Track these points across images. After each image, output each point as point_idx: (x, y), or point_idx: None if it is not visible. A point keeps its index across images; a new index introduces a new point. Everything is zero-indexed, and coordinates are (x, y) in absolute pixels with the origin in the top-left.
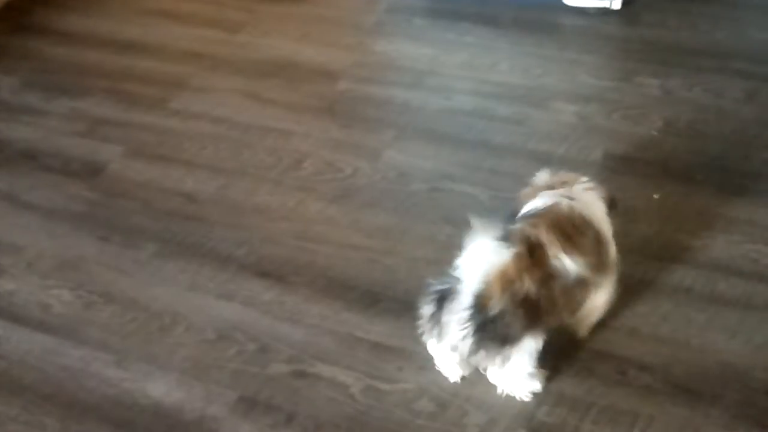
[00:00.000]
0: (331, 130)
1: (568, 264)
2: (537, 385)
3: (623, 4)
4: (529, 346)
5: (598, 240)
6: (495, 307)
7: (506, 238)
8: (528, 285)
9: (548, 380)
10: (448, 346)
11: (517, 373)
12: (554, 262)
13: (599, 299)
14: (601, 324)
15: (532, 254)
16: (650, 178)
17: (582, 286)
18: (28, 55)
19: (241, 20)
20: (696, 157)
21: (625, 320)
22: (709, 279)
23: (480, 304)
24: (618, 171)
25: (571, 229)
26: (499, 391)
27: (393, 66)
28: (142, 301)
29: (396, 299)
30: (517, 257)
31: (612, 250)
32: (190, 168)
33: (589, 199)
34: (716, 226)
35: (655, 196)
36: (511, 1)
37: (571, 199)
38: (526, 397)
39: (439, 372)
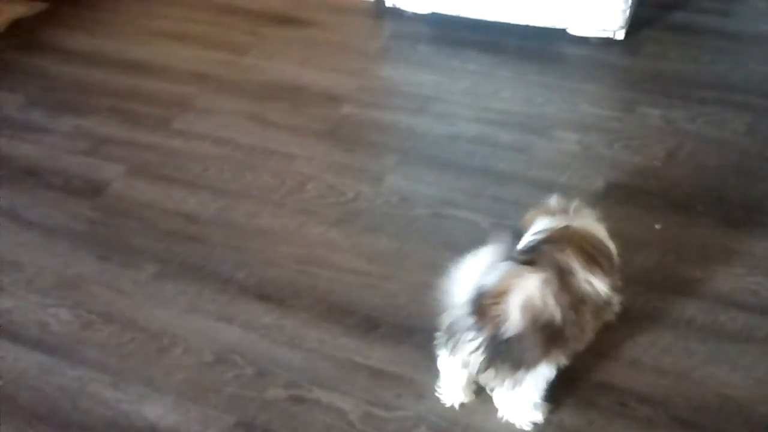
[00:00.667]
0: (334, 153)
1: (599, 286)
2: (539, 417)
3: (626, 34)
4: (544, 372)
5: (611, 259)
6: (512, 329)
7: (533, 261)
8: (553, 310)
9: (550, 412)
10: (459, 361)
11: (523, 400)
12: (584, 286)
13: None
14: (603, 355)
15: (562, 279)
16: (651, 208)
17: (608, 307)
18: (34, 73)
19: (246, 43)
20: (697, 189)
21: (626, 351)
22: (710, 311)
23: (497, 324)
24: (619, 201)
25: (592, 250)
26: (499, 415)
27: (397, 91)
28: (141, 321)
29: (396, 325)
30: (546, 282)
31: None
32: (193, 189)
33: (590, 220)
34: (717, 258)
35: (657, 227)
36: (514, 29)
37: (576, 221)
38: (527, 426)
39: (437, 399)
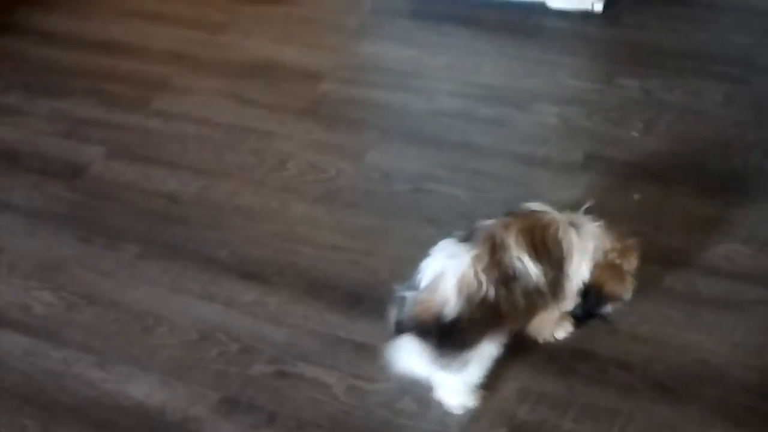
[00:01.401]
0: (314, 131)
1: (531, 267)
2: (472, 401)
3: (605, 6)
4: (488, 350)
5: (560, 267)
6: (452, 311)
7: (469, 238)
8: (486, 286)
9: (530, 378)
10: (411, 352)
11: (462, 384)
12: (516, 263)
13: (550, 317)
14: (581, 324)
15: (493, 254)
16: (630, 179)
17: (540, 295)
18: (10, 56)
19: (223, 21)
20: (675, 159)
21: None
22: (687, 279)
23: (438, 309)
24: (599, 172)
25: (540, 241)
26: (435, 396)
27: (376, 67)
28: (124, 302)
29: (379, 299)
30: (476, 258)
31: (570, 286)
32: (173, 169)
33: (585, 234)
34: (695, 227)
35: (636, 197)
36: (493, 3)
37: (574, 224)
38: (458, 410)
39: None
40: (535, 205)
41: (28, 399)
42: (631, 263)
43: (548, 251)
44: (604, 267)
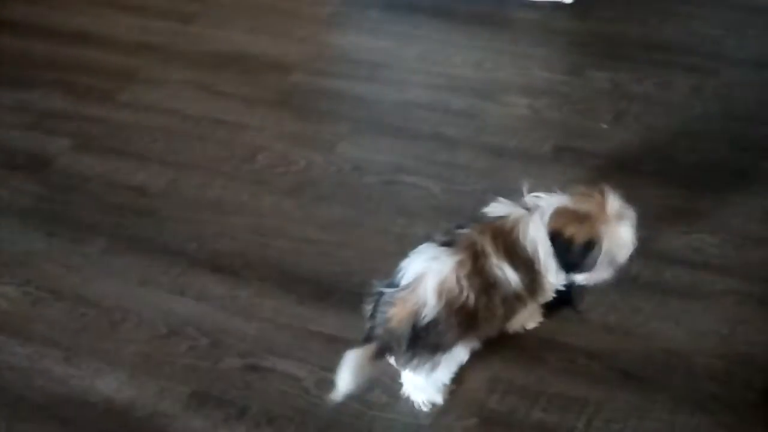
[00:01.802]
0: (285, 122)
1: (510, 274)
2: (439, 399)
3: None
4: (459, 354)
5: (532, 267)
6: (429, 314)
7: (451, 243)
8: (467, 293)
9: (499, 368)
10: (372, 346)
11: (431, 382)
12: (496, 270)
13: (527, 312)
14: (550, 313)
15: (476, 261)
16: (599, 170)
17: (519, 299)
18: None
19: (192, 11)
20: (644, 150)
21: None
22: (655, 268)
23: (416, 309)
24: (568, 163)
25: (510, 247)
26: (402, 392)
27: (348, 58)
28: (92, 296)
29: (350, 292)
30: (459, 264)
31: (546, 281)
32: (141, 161)
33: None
34: (662, 217)
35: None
36: None
37: (531, 212)
38: (425, 407)
39: (391, 364)
40: (497, 208)
41: None
42: (598, 205)
43: (519, 255)
44: (560, 213)
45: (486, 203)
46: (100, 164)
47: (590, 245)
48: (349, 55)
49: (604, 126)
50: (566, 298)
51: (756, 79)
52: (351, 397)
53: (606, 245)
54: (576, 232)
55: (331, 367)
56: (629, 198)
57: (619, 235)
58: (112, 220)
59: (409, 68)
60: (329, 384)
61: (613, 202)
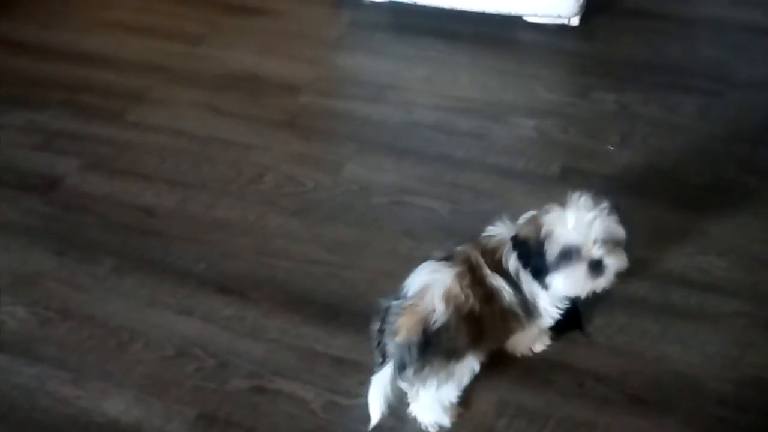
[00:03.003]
0: (292, 143)
1: (504, 287)
2: (447, 420)
3: (580, 21)
4: (471, 364)
5: (519, 288)
6: (439, 319)
7: (449, 258)
8: (472, 301)
9: (507, 391)
10: (392, 365)
11: (441, 400)
12: (492, 281)
13: (528, 334)
14: (558, 336)
15: (473, 273)
16: (606, 191)
17: (515, 315)
18: None
19: (201, 33)
20: (651, 171)
21: None
22: (663, 290)
23: (425, 316)
24: (575, 185)
25: (497, 263)
26: (413, 414)
27: (355, 80)
28: (100, 317)
29: (356, 313)
30: (460, 275)
31: (540, 304)
32: (149, 182)
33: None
34: (670, 239)
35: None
36: (470, 17)
37: None
38: (433, 429)
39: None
40: (494, 229)
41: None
42: (557, 207)
43: (505, 275)
44: (523, 223)
45: (491, 225)
46: (109, 184)
47: (540, 238)
48: (355, 76)
49: (611, 148)
50: (573, 321)
51: (761, 100)
52: (358, 420)
53: (558, 233)
54: (527, 231)
55: (339, 390)
56: (636, 220)
57: (570, 219)
58: (120, 240)
59: (415, 89)
60: (336, 406)
61: (574, 201)
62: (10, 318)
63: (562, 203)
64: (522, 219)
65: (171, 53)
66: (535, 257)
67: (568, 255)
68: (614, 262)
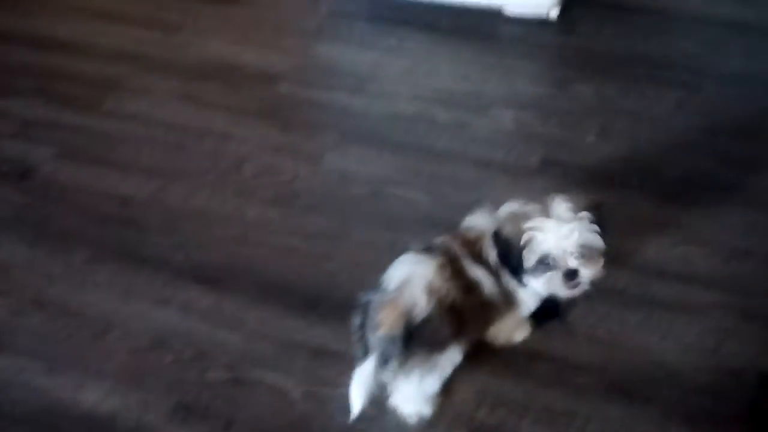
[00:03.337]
0: (272, 133)
1: (483, 278)
2: (428, 410)
3: (560, 14)
4: (453, 355)
5: (496, 274)
6: (422, 312)
7: (429, 250)
8: (453, 293)
9: (488, 381)
10: (374, 358)
11: (422, 391)
12: (472, 272)
13: (508, 323)
14: (538, 326)
15: (453, 264)
16: (585, 183)
17: (494, 305)
18: None
19: (178, 21)
20: (630, 163)
21: None
22: (642, 281)
23: (407, 309)
24: (555, 176)
25: (476, 253)
26: (394, 404)
27: (334, 70)
28: (75, 307)
29: (336, 304)
30: (441, 266)
31: (518, 294)
32: (125, 171)
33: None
34: (649, 230)
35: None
36: (451, 9)
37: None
38: (413, 419)
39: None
40: (472, 220)
41: None
42: (542, 207)
43: (485, 264)
44: (505, 218)
45: (470, 215)
46: (84, 174)
47: (521, 242)
48: (335, 67)
49: (591, 139)
50: (553, 310)
51: (738, 93)
52: (338, 410)
53: (537, 241)
54: (509, 232)
55: (319, 380)
56: (616, 211)
57: (550, 228)
58: (96, 230)
59: (395, 80)
60: (317, 396)
61: (559, 205)
62: None
63: (544, 202)
64: (503, 210)
65: (148, 41)
66: (514, 258)
67: (545, 262)
68: (589, 272)
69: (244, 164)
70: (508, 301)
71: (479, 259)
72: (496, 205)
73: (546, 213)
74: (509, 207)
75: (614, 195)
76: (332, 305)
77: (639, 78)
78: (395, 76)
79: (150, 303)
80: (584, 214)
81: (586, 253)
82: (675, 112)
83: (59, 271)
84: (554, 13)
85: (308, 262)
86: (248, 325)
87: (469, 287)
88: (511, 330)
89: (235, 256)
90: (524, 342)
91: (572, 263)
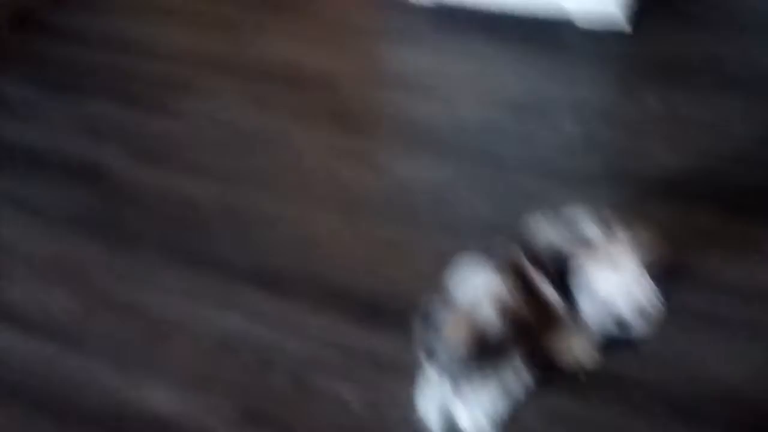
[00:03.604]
0: (335, 138)
1: (551, 294)
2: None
3: (628, 21)
4: (521, 374)
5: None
6: (491, 330)
7: (495, 260)
8: (522, 309)
9: (547, 398)
10: (440, 369)
11: (488, 409)
12: (540, 289)
13: (574, 341)
14: (605, 346)
15: (521, 279)
16: (652, 195)
17: (561, 318)
18: (34, 55)
19: (246, 24)
20: (697, 175)
21: None
22: (709, 298)
23: (475, 323)
24: (620, 187)
25: (543, 265)
26: (459, 424)
27: (399, 75)
28: (142, 308)
29: (398, 312)
30: (509, 281)
31: (586, 311)
32: (193, 173)
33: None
34: (716, 244)
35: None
36: (518, 16)
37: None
38: None
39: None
40: (541, 230)
41: (42, 405)
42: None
43: (556, 281)
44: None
45: (533, 224)
46: (153, 175)
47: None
48: (401, 72)
49: (658, 150)
50: (621, 330)
51: None
52: (399, 421)
53: (600, 286)
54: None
55: (379, 390)
56: (683, 224)
57: (615, 283)
58: (164, 231)
59: (460, 86)
60: (377, 407)
61: (623, 251)
62: (56, 307)
63: (610, 238)
64: (565, 222)
65: (217, 43)
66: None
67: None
68: (643, 326)
69: (309, 168)
70: (577, 319)
71: (547, 273)
72: (562, 213)
73: (609, 254)
74: (593, 234)
75: (680, 207)
76: (395, 313)
77: (708, 87)
78: (460, 81)
79: (215, 306)
80: (647, 267)
81: (641, 310)
82: (745, 121)
83: (129, 272)
84: (623, 21)
85: (371, 268)
86: (311, 332)
87: (538, 303)
88: (578, 349)
89: (299, 261)
90: (590, 362)
91: (626, 315)
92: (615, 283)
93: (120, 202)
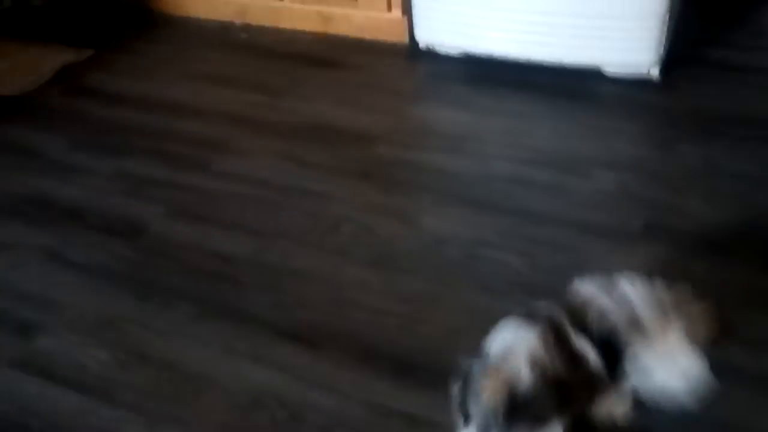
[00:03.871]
0: (369, 194)
1: (587, 348)
2: None
3: (661, 72)
4: (555, 431)
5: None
6: (525, 384)
7: (531, 316)
8: (557, 364)
9: None
10: (476, 428)
11: None
12: (576, 343)
13: (611, 400)
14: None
15: (557, 333)
16: (690, 250)
17: (600, 379)
18: (78, 117)
19: (282, 85)
20: (739, 230)
21: None
22: (757, 358)
23: (511, 379)
24: (658, 242)
25: (581, 321)
26: None
27: (431, 131)
28: (177, 363)
29: (430, 369)
30: (544, 335)
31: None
32: (230, 230)
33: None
34: (760, 302)
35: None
36: (549, 68)
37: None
38: None
39: None
40: (580, 287)
41: None
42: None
43: (592, 335)
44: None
45: (570, 281)
46: (191, 231)
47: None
48: (432, 127)
49: (695, 203)
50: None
51: None
52: None
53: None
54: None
55: None
56: (724, 280)
57: (665, 368)
58: (199, 286)
59: (492, 141)
60: None
61: (676, 332)
62: (92, 360)
63: (665, 317)
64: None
65: (253, 104)
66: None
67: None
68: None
69: (342, 224)
70: (615, 376)
71: (584, 329)
72: (597, 270)
73: (659, 332)
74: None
75: (721, 263)
76: (427, 371)
77: (747, 139)
78: (492, 136)
79: (249, 361)
80: (698, 341)
81: (691, 383)
82: None
83: (164, 326)
84: (655, 72)
85: (403, 324)
86: (342, 388)
87: (574, 359)
88: (615, 406)
89: (331, 316)
90: (627, 419)
91: (675, 390)
92: (665, 362)
93: (157, 258)
